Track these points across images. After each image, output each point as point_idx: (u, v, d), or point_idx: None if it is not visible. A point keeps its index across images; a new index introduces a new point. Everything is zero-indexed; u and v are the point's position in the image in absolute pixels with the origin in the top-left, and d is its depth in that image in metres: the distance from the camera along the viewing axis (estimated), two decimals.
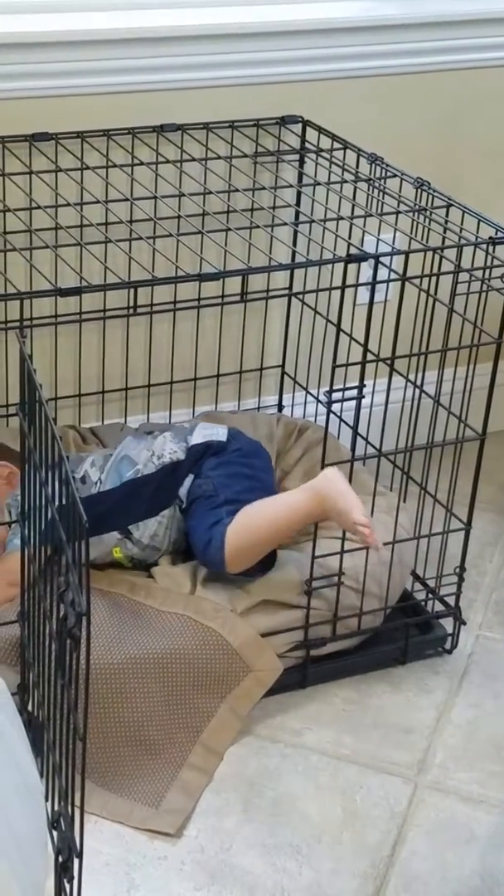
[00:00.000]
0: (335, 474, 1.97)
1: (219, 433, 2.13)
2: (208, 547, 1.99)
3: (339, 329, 1.93)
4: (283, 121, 2.30)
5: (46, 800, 1.61)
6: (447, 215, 2.04)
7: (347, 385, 1.91)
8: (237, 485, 2.05)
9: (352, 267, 1.91)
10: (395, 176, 2.14)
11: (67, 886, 1.49)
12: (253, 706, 1.97)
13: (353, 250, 1.94)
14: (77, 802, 1.45)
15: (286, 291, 2.37)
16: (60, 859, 1.50)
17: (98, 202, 2.05)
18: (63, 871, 1.49)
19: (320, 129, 2.26)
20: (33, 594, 1.69)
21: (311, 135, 2.29)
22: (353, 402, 1.93)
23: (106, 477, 2.08)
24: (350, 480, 2.01)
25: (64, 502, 1.41)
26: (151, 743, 1.89)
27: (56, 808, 1.56)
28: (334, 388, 1.90)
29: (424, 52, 2.38)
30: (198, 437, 2.12)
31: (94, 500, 2.03)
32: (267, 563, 2.04)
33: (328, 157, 2.22)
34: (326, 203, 2.13)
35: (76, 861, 1.46)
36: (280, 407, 2.52)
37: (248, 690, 1.96)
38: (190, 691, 1.92)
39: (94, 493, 2.06)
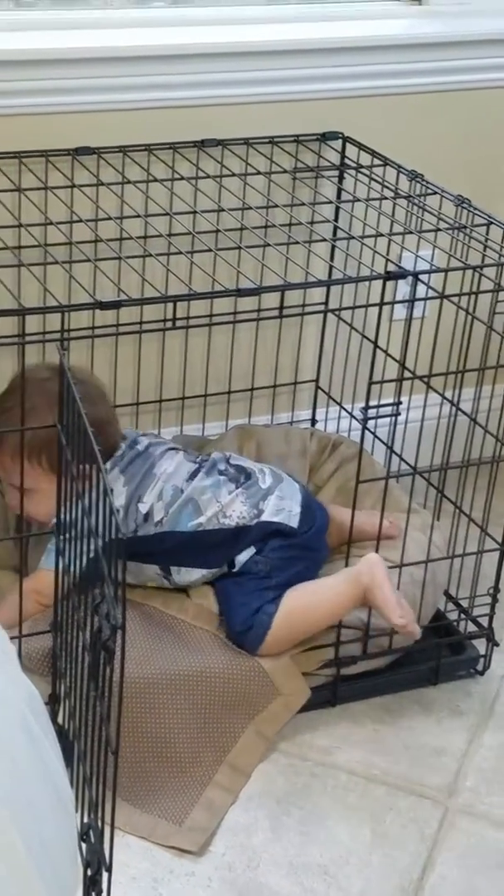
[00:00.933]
0: (376, 564, 1.96)
1: (292, 513, 2.05)
2: (248, 632, 1.96)
3: (375, 346, 1.93)
4: (324, 137, 2.30)
5: (76, 811, 1.61)
6: (487, 233, 2.03)
7: (383, 401, 1.90)
8: (292, 568, 2.02)
9: (390, 283, 1.90)
10: (434, 193, 2.14)
11: None
12: (279, 729, 1.96)
13: (391, 267, 1.94)
14: (107, 816, 1.44)
15: (322, 307, 2.36)
16: (89, 872, 1.49)
17: (138, 216, 2.06)
18: (92, 884, 1.48)
19: (360, 146, 2.26)
20: (67, 605, 1.68)
21: (351, 151, 2.29)
22: (388, 419, 1.92)
23: (168, 519, 2.01)
24: (384, 497, 2.00)
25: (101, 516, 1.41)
26: (178, 759, 1.88)
27: (86, 820, 1.55)
28: (370, 404, 1.89)
29: (465, 70, 2.38)
30: (271, 512, 2.03)
31: (154, 539, 2.01)
32: None
33: (368, 173, 2.22)
34: (365, 219, 2.13)
35: (105, 875, 1.45)
36: (314, 421, 2.51)
37: (275, 714, 1.95)
38: (219, 710, 1.92)
39: (154, 532, 2.02)
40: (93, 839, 1.50)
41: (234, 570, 2.04)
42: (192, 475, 2.04)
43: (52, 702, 1.82)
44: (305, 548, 2.05)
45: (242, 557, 2.03)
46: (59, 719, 1.78)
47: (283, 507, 2.05)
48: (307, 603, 1.97)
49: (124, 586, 1.33)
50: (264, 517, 2.03)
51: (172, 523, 2.01)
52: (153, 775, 1.86)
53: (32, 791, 1.16)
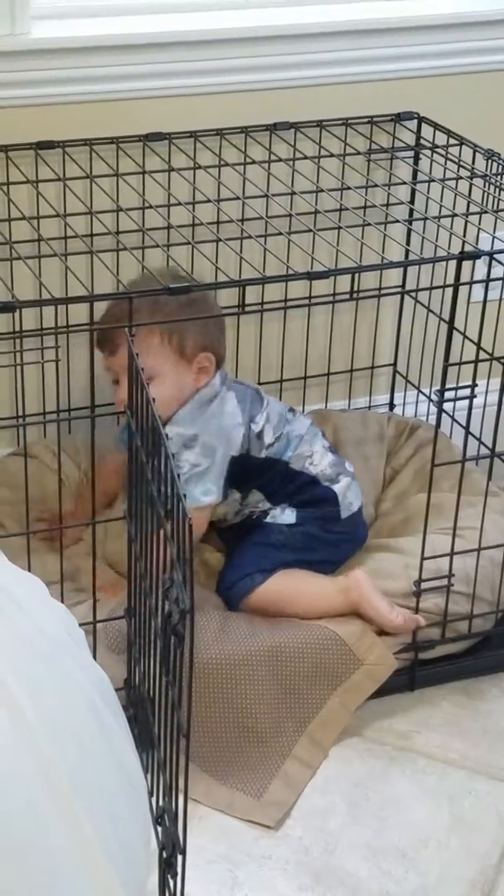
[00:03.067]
0: (362, 582, 1.98)
1: (353, 505, 2.10)
2: (228, 591, 2.02)
3: (451, 327, 1.91)
4: (399, 117, 2.28)
5: (151, 795, 1.62)
6: None
7: (460, 384, 1.88)
8: (309, 554, 2.05)
9: (466, 264, 1.88)
10: None
11: (171, 883, 1.49)
12: (363, 700, 1.95)
13: (467, 248, 1.91)
14: (181, 800, 1.45)
15: (398, 289, 2.35)
16: (164, 855, 1.51)
17: (209, 201, 2.06)
18: (167, 867, 1.49)
19: (436, 126, 2.24)
20: (139, 590, 1.69)
21: (427, 131, 2.27)
22: (466, 402, 1.91)
23: (275, 445, 2.05)
24: (461, 480, 1.99)
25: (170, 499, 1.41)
26: (258, 731, 1.89)
27: (161, 803, 1.57)
28: (446, 387, 1.88)
29: None
30: (342, 487, 2.09)
31: (263, 464, 2.04)
32: None
33: (444, 153, 2.20)
34: (441, 200, 2.11)
35: (180, 858, 1.46)
36: (391, 406, 2.50)
37: (359, 684, 1.95)
38: (299, 682, 1.92)
39: (263, 456, 2.04)
40: (167, 822, 1.51)
41: (266, 520, 2.07)
42: (290, 410, 2.10)
43: (128, 687, 1.84)
44: (335, 545, 2.08)
45: (282, 517, 2.05)
46: (135, 703, 1.80)
47: (352, 495, 2.10)
48: (293, 590, 2.00)
49: (192, 569, 1.33)
50: (336, 487, 2.07)
51: (277, 450, 2.06)
52: (233, 747, 1.87)
53: (101, 774, 1.18)
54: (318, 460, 2.09)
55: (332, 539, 2.08)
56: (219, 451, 1.99)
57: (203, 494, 1.99)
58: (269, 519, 2.08)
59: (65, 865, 1.05)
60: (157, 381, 1.94)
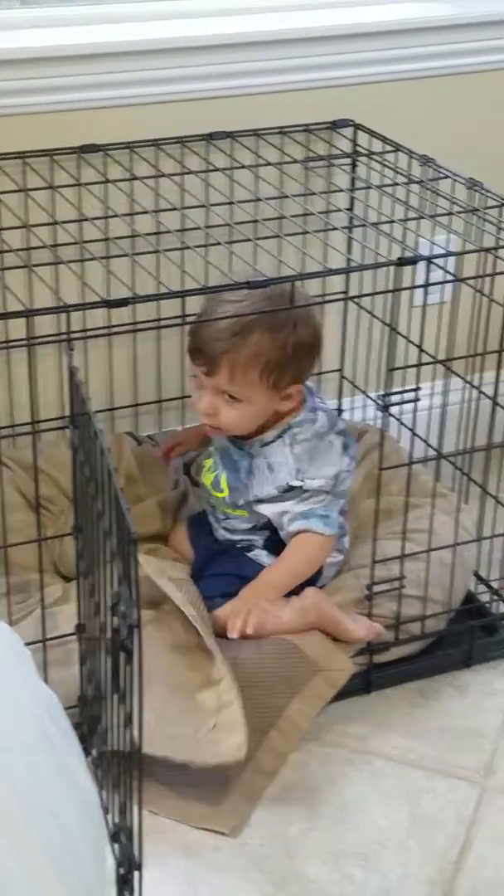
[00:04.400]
0: (315, 601, 1.99)
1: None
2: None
3: (392, 331, 1.92)
4: (335, 125, 2.29)
5: (107, 812, 1.62)
6: (501, 215, 2.02)
7: (405, 388, 1.89)
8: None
9: (406, 269, 1.89)
10: (446, 177, 2.13)
11: None
12: (323, 707, 1.96)
13: (406, 253, 1.93)
14: (136, 816, 1.45)
15: (341, 296, 2.36)
16: (121, 872, 1.50)
17: (147, 213, 2.06)
18: (124, 883, 1.49)
19: (371, 133, 2.25)
20: (89, 607, 1.69)
21: (363, 139, 2.28)
22: (411, 405, 1.92)
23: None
24: (409, 483, 2.00)
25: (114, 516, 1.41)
26: None
27: (117, 820, 1.56)
28: (391, 390, 1.89)
29: (474, 52, 2.36)
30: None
31: None
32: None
33: (380, 160, 2.21)
34: (379, 207, 2.12)
35: (136, 874, 1.46)
36: (340, 411, 2.51)
37: (317, 691, 1.95)
38: (258, 692, 1.92)
39: None
40: (124, 839, 1.51)
41: (248, 552, 2.06)
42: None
43: (82, 703, 1.83)
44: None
45: (264, 559, 2.05)
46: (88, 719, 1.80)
47: (334, 571, 2.10)
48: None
49: (139, 584, 1.33)
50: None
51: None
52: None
53: (52, 794, 1.17)
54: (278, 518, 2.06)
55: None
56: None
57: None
58: (251, 553, 2.07)
59: (14, 887, 1.05)
60: (244, 404, 1.95)
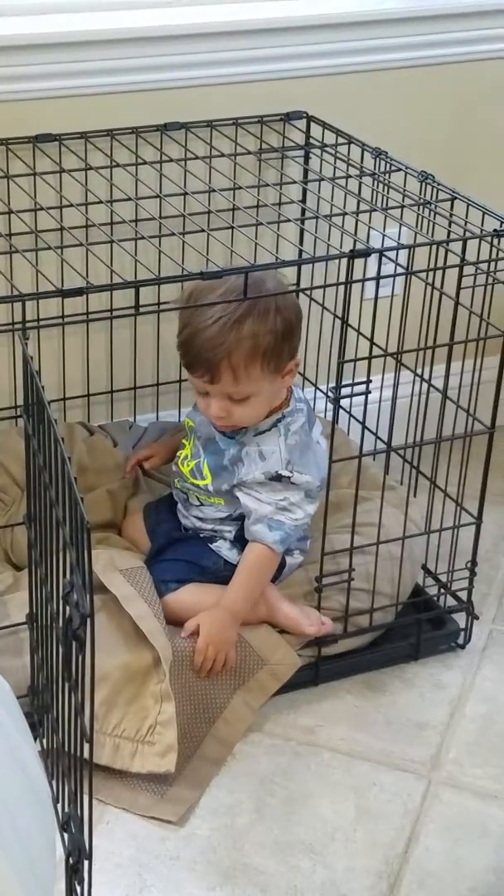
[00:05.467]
0: (266, 595, 1.99)
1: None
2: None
3: (344, 324, 1.93)
4: (288, 117, 2.29)
5: (57, 802, 1.61)
6: (452, 208, 2.03)
7: (355, 380, 1.90)
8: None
9: (359, 262, 1.90)
10: (399, 170, 2.14)
11: (78, 888, 1.49)
12: (267, 699, 1.97)
13: (358, 245, 1.93)
14: (87, 805, 1.45)
15: (293, 288, 2.36)
16: (71, 861, 1.50)
17: (102, 202, 2.05)
18: (73, 873, 1.49)
19: (325, 125, 2.26)
20: (40, 596, 1.69)
21: (316, 130, 2.28)
22: (362, 398, 1.93)
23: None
24: (358, 475, 2.01)
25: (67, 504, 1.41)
26: None
27: (66, 810, 1.56)
28: (342, 383, 1.89)
29: (427, 46, 2.37)
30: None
31: None
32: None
33: (333, 152, 2.22)
34: (332, 199, 2.13)
35: (86, 863, 1.46)
36: None
37: (262, 683, 1.96)
38: (203, 683, 1.92)
39: None
40: (73, 828, 1.50)
41: (210, 543, 2.06)
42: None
43: (32, 694, 1.83)
44: None
45: (226, 551, 2.05)
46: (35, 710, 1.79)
47: (295, 567, 2.10)
48: (202, 604, 1.97)
49: (91, 573, 1.33)
50: (289, 559, 2.08)
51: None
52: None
53: (3, 783, 1.17)
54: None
55: None
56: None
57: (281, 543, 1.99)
58: (213, 544, 2.06)
59: None
60: (253, 400, 1.95)
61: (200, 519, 2.07)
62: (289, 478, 1.96)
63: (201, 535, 2.07)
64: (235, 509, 2.02)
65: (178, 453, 2.10)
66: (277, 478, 1.97)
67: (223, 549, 2.05)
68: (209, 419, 1.99)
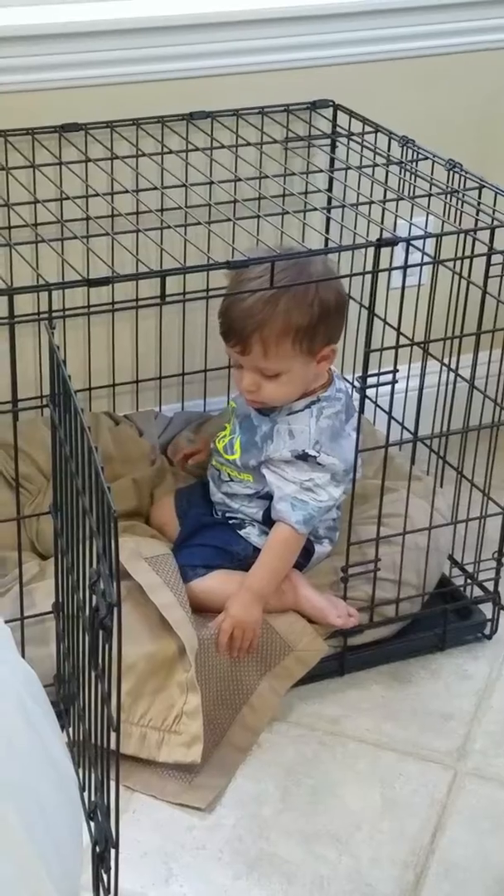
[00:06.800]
0: (295, 583, 1.99)
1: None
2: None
3: (371, 313, 1.92)
4: (314, 105, 2.28)
5: (84, 790, 1.62)
6: (480, 197, 2.02)
7: (382, 370, 1.90)
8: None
9: (386, 251, 1.89)
10: (426, 158, 2.13)
11: (105, 877, 1.49)
12: (292, 684, 1.97)
13: (385, 234, 1.93)
14: (114, 794, 1.45)
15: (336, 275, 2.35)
16: (97, 850, 1.50)
17: (128, 192, 2.05)
18: (100, 861, 1.49)
19: (351, 113, 2.25)
20: (67, 585, 1.69)
21: (343, 119, 2.27)
22: (388, 388, 1.92)
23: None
24: (385, 465, 2.00)
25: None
26: None
27: (93, 798, 1.56)
28: (368, 373, 1.89)
29: (454, 34, 2.35)
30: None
31: None
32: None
33: (359, 140, 2.21)
34: (359, 188, 2.12)
35: (113, 852, 1.46)
36: None
37: (288, 669, 1.96)
38: (229, 669, 1.93)
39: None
40: (100, 817, 1.51)
41: (239, 530, 2.06)
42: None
43: (58, 682, 1.83)
44: None
45: (254, 538, 2.05)
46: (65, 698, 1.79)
47: (324, 556, 2.09)
48: (230, 590, 1.97)
49: (118, 562, 1.33)
50: (318, 547, 2.08)
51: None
52: None
53: (31, 773, 1.17)
54: (327, 516, 2.06)
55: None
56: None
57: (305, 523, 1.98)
58: (242, 531, 2.06)
59: None
60: (284, 378, 1.95)
61: (229, 496, 2.07)
62: (315, 457, 1.96)
63: (230, 522, 2.07)
64: (263, 487, 2.02)
65: (217, 433, 2.10)
66: (304, 457, 1.96)
67: (252, 535, 2.04)
68: (241, 392, 1.99)
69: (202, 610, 1.97)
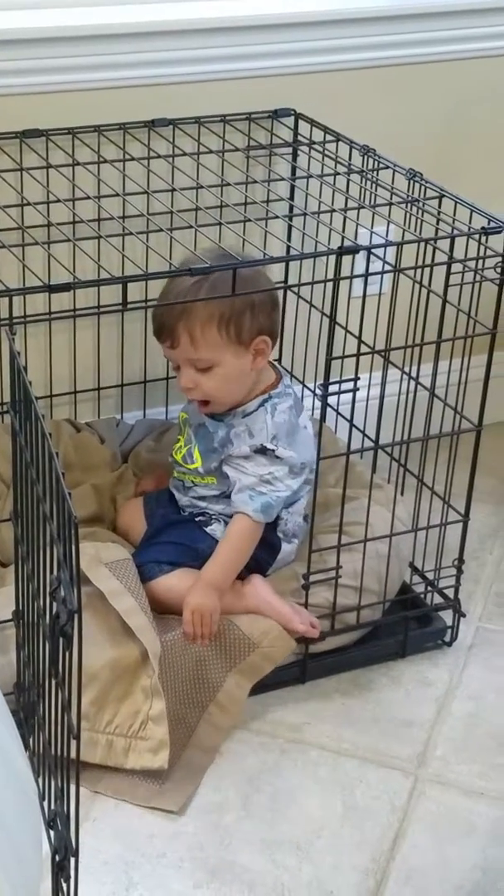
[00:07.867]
0: (257, 587, 2.00)
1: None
2: (138, 567, 2.00)
3: (332, 321, 1.93)
4: (276, 114, 2.29)
5: (43, 799, 1.61)
6: (440, 206, 2.03)
7: (343, 378, 1.90)
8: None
9: (347, 259, 1.90)
10: (387, 168, 2.14)
11: (65, 886, 1.48)
12: (259, 679, 1.96)
13: (346, 243, 1.93)
14: (73, 802, 1.44)
15: (280, 284, 2.36)
16: (57, 859, 1.50)
17: (89, 198, 2.04)
18: (60, 870, 1.48)
19: (313, 122, 2.25)
20: (27, 592, 1.68)
21: (304, 128, 2.28)
22: (349, 395, 1.92)
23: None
24: (346, 473, 2.00)
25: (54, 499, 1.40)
26: None
27: (53, 807, 1.56)
28: (330, 380, 1.89)
29: (416, 44, 2.37)
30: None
31: None
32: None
33: (321, 149, 2.21)
34: (320, 196, 2.12)
35: (72, 860, 1.45)
36: None
37: (255, 665, 1.96)
38: (194, 668, 1.92)
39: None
40: (60, 826, 1.50)
41: (205, 527, 2.07)
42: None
43: (18, 691, 1.82)
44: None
45: (221, 535, 2.04)
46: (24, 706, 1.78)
47: (291, 556, 2.10)
48: (188, 588, 1.96)
49: (79, 569, 1.33)
50: (285, 545, 2.09)
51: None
52: None
53: None
54: (295, 511, 2.07)
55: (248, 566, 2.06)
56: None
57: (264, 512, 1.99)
58: (208, 528, 2.06)
59: None
60: (218, 371, 1.96)
61: (197, 497, 2.08)
62: (273, 451, 1.97)
63: (197, 519, 2.07)
64: (228, 487, 2.03)
65: (172, 446, 2.10)
66: (262, 451, 1.97)
67: (218, 532, 2.05)
68: (182, 391, 2.01)
69: (164, 609, 1.97)
